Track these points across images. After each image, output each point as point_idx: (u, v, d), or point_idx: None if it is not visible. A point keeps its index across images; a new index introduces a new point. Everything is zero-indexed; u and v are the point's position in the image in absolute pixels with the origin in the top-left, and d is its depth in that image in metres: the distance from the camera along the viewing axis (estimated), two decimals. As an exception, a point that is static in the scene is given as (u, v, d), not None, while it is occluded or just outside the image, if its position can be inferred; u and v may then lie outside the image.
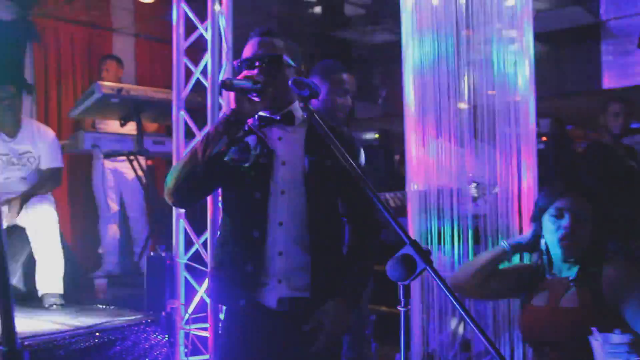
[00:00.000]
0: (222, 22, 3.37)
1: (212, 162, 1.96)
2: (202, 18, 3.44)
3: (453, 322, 3.20)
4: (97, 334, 3.31)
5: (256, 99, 1.96)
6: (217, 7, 3.28)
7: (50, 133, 4.32)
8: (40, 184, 4.16)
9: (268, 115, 2.08)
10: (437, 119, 3.15)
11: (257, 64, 2.01)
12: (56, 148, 4.30)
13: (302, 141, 2.06)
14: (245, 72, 1.98)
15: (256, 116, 2.08)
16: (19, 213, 4.03)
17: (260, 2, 5.69)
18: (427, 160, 3.12)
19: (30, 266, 4.12)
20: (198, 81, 3.51)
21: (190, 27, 3.54)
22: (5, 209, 4.00)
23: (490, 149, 3.08)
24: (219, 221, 2.19)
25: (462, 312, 1.47)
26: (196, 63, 3.49)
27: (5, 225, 4.08)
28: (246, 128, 2.08)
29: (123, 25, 5.73)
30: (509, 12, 3.10)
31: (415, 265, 1.52)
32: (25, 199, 4.08)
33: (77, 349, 3.18)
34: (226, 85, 1.91)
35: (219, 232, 2.17)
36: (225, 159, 2.00)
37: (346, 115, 3.25)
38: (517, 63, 3.12)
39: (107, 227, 5.32)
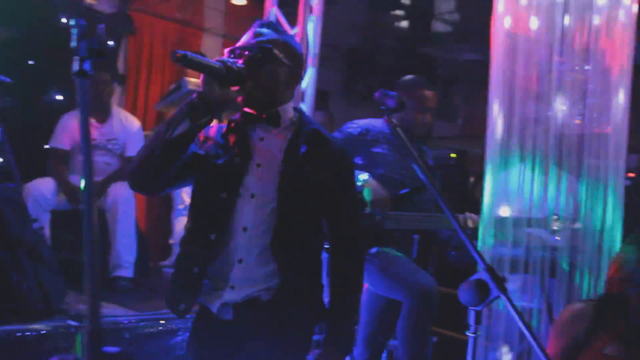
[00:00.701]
0: (312, 29, 3.41)
1: (175, 149, 1.80)
2: (292, 23, 3.50)
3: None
4: (162, 321, 3.39)
5: (232, 88, 1.80)
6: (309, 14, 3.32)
7: (136, 123, 4.49)
8: (122, 171, 4.32)
9: (251, 112, 1.93)
10: (522, 145, 3.06)
11: (245, 53, 1.87)
12: (140, 138, 4.46)
13: (284, 145, 1.92)
14: (224, 57, 1.84)
15: (241, 113, 1.95)
16: (100, 197, 4.20)
17: (346, 12, 5.72)
18: (508, 186, 3.03)
19: (104, 248, 4.28)
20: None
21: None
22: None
23: (574, 180, 2.97)
24: None
25: (533, 344, 1.42)
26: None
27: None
28: (232, 125, 1.95)
29: (213, 25, 5.89)
30: (609, 42, 2.98)
31: (489, 291, 1.48)
32: (107, 183, 4.25)
33: (141, 334, 3.28)
34: (178, 58, 1.66)
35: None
36: (200, 151, 1.91)
37: (424, 132, 3.22)
38: (611, 93, 3.00)
39: (179, 219, 5.46)
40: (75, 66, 1.23)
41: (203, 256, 1.88)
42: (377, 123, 3.17)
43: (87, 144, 1.11)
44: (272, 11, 3.52)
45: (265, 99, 1.91)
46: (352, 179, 2.06)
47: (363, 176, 2.95)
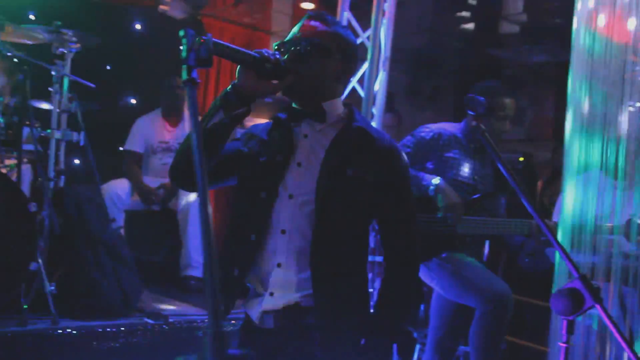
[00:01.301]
0: (383, 32, 3.40)
1: (210, 140, 1.72)
2: (364, 27, 3.51)
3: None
4: (233, 322, 3.45)
5: (272, 82, 1.70)
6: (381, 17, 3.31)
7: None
8: (194, 173, 4.41)
9: (295, 108, 1.85)
10: (602, 150, 2.96)
11: (292, 48, 1.78)
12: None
13: (327, 143, 1.81)
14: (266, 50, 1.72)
15: (287, 107, 1.87)
16: (171, 198, 4.32)
17: (413, 15, 5.69)
18: (585, 192, 2.94)
19: (175, 248, 4.39)
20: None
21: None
22: (161, 192, 4.31)
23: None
24: None
25: (632, 356, 1.38)
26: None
27: (158, 208, 4.39)
28: (277, 121, 1.87)
29: (281, 29, 5.95)
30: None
31: (583, 300, 1.44)
32: (178, 185, 4.35)
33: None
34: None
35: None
36: (244, 149, 1.84)
37: (499, 139, 3.16)
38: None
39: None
40: (184, 74, 1.27)
41: (243, 257, 1.81)
42: (449, 127, 3.14)
43: (198, 147, 1.14)
44: (345, 15, 3.53)
45: (310, 94, 1.82)
46: (405, 181, 1.90)
47: (435, 180, 2.93)
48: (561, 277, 2.81)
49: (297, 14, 5.75)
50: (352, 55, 1.88)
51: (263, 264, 1.79)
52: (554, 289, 2.71)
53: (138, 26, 5.18)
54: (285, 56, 1.77)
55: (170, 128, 4.50)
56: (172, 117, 4.49)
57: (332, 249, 1.76)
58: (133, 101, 5.13)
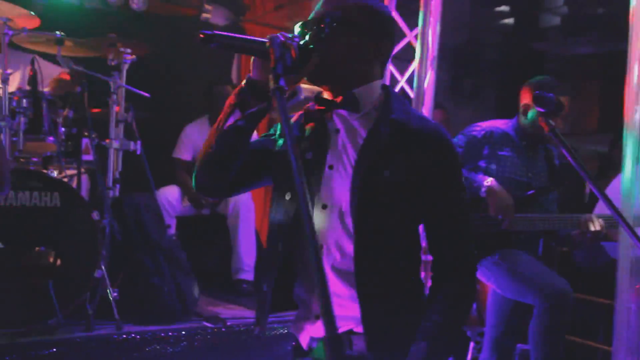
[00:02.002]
0: (431, 31, 3.40)
1: (228, 141, 1.52)
2: (410, 27, 3.51)
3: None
4: (287, 323, 3.49)
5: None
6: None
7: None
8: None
9: (324, 98, 1.60)
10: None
11: (314, 27, 1.54)
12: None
13: (362, 139, 1.55)
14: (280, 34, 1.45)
15: (316, 95, 1.63)
16: (220, 202, 4.38)
17: (452, 11, 5.65)
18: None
19: (226, 252, 4.46)
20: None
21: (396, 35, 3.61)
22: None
23: None
24: None
25: None
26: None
27: (208, 212, 4.47)
28: (308, 114, 1.63)
29: (321, 32, 5.98)
30: None
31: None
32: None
33: (270, 336, 3.39)
34: (204, 40, 1.39)
35: None
36: (272, 146, 1.63)
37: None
38: None
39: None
40: (273, 83, 1.30)
41: (270, 270, 1.60)
42: (500, 125, 3.13)
43: (294, 155, 1.16)
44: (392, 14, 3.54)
45: (338, 79, 1.57)
46: (456, 172, 1.60)
47: (487, 182, 2.92)
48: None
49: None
50: (387, 31, 1.61)
51: (304, 282, 1.59)
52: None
53: (183, 35, 5.27)
54: (306, 37, 1.53)
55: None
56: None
57: (379, 264, 1.52)
58: (182, 109, 5.22)
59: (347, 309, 1.53)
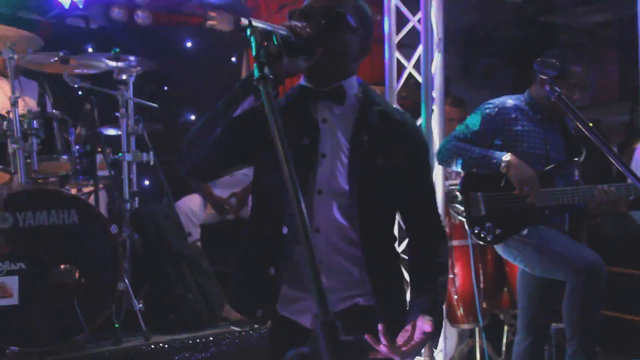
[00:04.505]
0: (434, 13, 3.34)
1: (237, 128, 1.55)
2: (412, 11, 3.46)
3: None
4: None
5: (300, 59, 1.53)
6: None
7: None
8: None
9: (311, 87, 1.68)
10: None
11: (315, 19, 1.59)
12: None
13: (350, 128, 1.66)
14: (289, 22, 1.55)
15: (297, 87, 1.69)
16: (243, 205, 4.38)
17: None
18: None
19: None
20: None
21: (399, 22, 3.56)
22: (233, 201, 4.38)
23: None
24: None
25: None
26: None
27: (232, 217, 4.47)
28: (290, 101, 1.69)
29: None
30: None
31: None
32: (246, 194, 4.41)
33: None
34: (243, 27, 1.40)
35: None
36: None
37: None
38: None
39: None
40: (257, 72, 1.27)
41: (277, 255, 1.65)
42: (512, 100, 3.06)
43: (282, 145, 1.14)
44: (392, 1, 3.49)
45: (332, 72, 1.67)
46: (428, 160, 1.86)
47: (506, 157, 2.86)
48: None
49: (342, 10, 5.73)
50: (372, 31, 1.74)
51: (301, 262, 1.64)
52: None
53: (189, 44, 5.29)
54: (307, 29, 1.56)
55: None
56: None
57: (380, 244, 1.71)
58: (192, 117, 5.24)
59: (352, 285, 1.68)
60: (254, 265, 1.70)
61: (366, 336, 1.47)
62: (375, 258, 1.68)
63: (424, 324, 1.53)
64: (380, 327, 1.47)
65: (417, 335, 1.53)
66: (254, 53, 1.31)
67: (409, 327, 1.56)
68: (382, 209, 1.72)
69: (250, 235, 1.74)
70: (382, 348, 1.47)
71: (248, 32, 1.37)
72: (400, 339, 1.53)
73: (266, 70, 1.27)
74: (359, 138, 1.66)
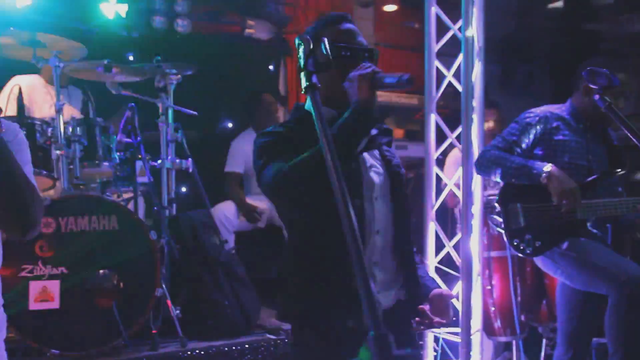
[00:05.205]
0: (475, 22, 3.31)
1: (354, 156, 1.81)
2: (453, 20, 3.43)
3: None
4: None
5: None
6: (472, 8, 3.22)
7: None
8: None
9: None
10: None
11: (365, 55, 1.84)
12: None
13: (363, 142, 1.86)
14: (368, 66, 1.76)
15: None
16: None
17: (499, 1, 5.51)
18: None
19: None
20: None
21: (439, 30, 3.53)
22: (266, 207, 4.42)
23: None
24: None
25: None
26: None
27: (263, 225, 4.50)
28: None
29: (365, 35, 5.97)
30: None
31: None
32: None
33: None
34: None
35: (295, 245, 1.86)
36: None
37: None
38: None
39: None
40: (304, 81, 1.29)
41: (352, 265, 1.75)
42: (554, 109, 3.01)
43: (331, 153, 1.15)
44: (432, 10, 3.46)
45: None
46: None
47: (547, 168, 2.80)
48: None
49: (380, 19, 5.73)
50: None
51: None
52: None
53: (228, 52, 5.34)
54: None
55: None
56: (266, 132, 4.59)
57: (408, 241, 1.93)
58: (230, 125, 5.28)
59: (396, 280, 1.87)
60: (334, 276, 1.75)
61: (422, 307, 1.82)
62: (406, 254, 1.90)
63: (444, 291, 1.88)
64: (425, 307, 1.80)
65: (448, 299, 1.86)
66: (301, 61, 1.33)
67: (434, 297, 1.86)
68: (404, 208, 1.94)
69: (314, 252, 1.79)
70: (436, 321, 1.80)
71: (296, 41, 1.42)
72: (436, 309, 1.84)
73: (314, 79, 1.29)
74: (387, 151, 1.94)
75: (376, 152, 1.91)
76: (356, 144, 1.75)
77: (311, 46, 1.39)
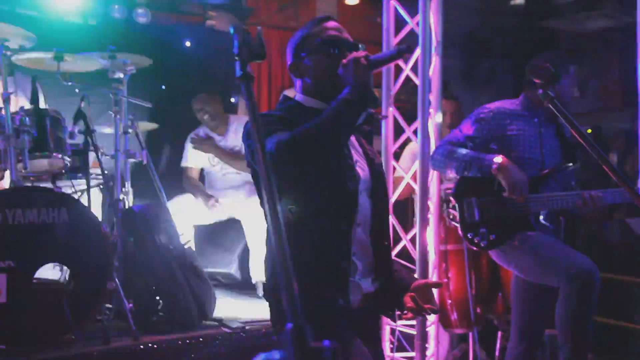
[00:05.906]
0: (432, 17, 3.32)
1: (345, 139, 1.89)
2: (411, 14, 3.43)
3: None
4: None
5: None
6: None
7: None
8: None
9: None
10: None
11: (360, 45, 1.91)
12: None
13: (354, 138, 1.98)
14: (358, 53, 1.82)
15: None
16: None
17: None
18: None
19: (245, 256, 4.44)
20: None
21: (398, 24, 3.53)
22: (229, 201, 4.38)
23: None
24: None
25: None
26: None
27: (225, 218, 4.46)
28: None
29: (327, 28, 5.95)
30: None
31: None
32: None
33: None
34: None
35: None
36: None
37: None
38: None
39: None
40: (239, 70, 1.26)
41: (345, 249, 1.85)
42: (507, 104, 3.04)
43: (260, 140, 1.13)
44: (391, 3, 3.46)
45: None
46: None
47: (497, 159, 2.82)
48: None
49: (342, 11, 5.72)
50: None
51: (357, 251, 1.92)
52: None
53: (188, 43, 5.28)
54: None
55: (219, 138, 4.55)
56: (219, 127, 4.55)
57: (386, 237, 1.99)
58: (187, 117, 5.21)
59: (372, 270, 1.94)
60: (325, 258, 1.84)
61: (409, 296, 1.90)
62: (382, 248, 1.96)
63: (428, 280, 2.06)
64: (412, 295, 1.88)
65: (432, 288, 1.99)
66: (235, 50, 1.30)
67: (420, 286, 1.94)
68: (385, 198, 2.04)
69: (317, 230, 1.85)
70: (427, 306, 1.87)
71: (231, 30, 1.39)
72: (423, 298, 1.91)
73: (248, 68, 1.27)
74: (369, 147, 2.02)
75: (360, 150, 1.97)
76: (356, 118, 1.80)
77: (245, 35, 1.36)
